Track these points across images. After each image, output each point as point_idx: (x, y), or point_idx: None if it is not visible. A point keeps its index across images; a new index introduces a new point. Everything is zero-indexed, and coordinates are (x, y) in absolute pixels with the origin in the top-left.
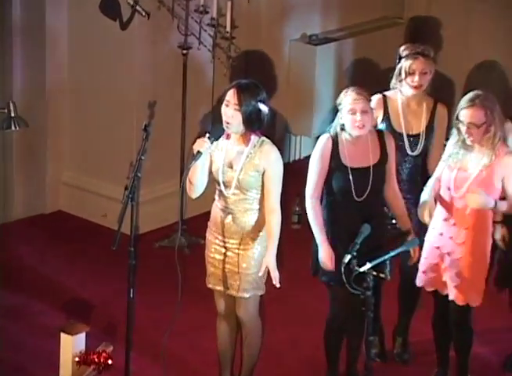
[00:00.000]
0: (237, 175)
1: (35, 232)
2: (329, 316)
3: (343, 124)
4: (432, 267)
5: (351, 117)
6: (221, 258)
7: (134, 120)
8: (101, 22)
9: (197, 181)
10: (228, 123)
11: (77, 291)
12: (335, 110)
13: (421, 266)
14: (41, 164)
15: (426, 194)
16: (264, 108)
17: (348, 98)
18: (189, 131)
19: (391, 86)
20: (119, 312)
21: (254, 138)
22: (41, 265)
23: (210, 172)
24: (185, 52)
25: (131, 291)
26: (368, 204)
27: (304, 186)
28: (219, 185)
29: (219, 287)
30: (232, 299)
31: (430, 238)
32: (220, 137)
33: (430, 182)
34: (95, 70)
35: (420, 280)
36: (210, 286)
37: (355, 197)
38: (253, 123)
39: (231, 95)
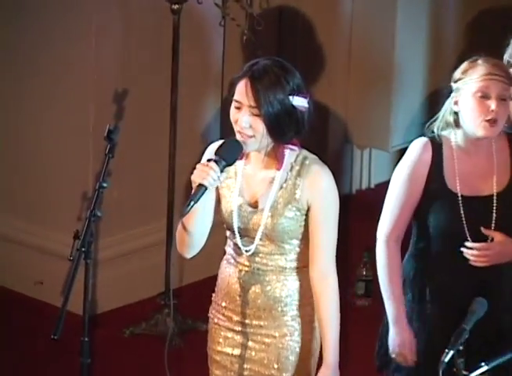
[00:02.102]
0: (265, 218)
1: None
2: None
3: (456, 116)
4: None
5: (478, 105)
6: (238, 352)
7: (90, 122)
8: None
9: (195, 231)
10: (244, 135)
11: None
12: (438, 101)
13: None
14: None
15: None
16: (300, 102)
17: (479, 70)
18: (182, 141)
19: None
20: None
21: (289, 154)
22: None
23: (214, 216)
24: (176, 7)
25: None
26: None
27: (376, 234)
28: (233, 234)
29: None
30: None
31: None
32: (235, 159)
33: None
34: (24, 41)
35: None
36: None
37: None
38: (284, 130)
39: (242, 92)
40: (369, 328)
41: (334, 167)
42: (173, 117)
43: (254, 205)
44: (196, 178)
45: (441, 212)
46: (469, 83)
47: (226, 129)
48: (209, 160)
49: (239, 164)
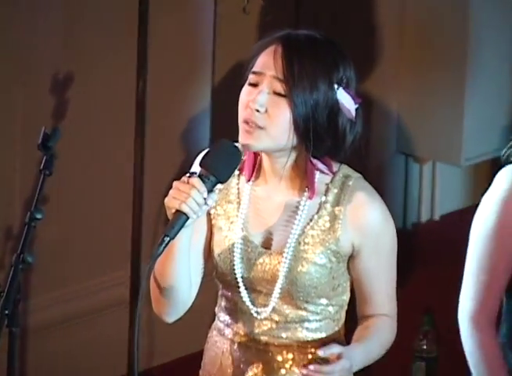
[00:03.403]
0: (286, 264)
1: None
2: None
3: None
4: None
5: None
6: None
7: (17, 123)
8: None
9: (176, 282)
10: (251, 127)
11: None
12: None
13: None
14: None
15: None
16: (347, 101)
17: None
18: (154, 149)
19: None
20: None
21: (320, 174)
22: None
23: (207, 258)
24: None
25: None
26: None
27: (442, 289)
28: (231, 288)
29: None
30: None
31: None
32: (231, 173)
33: None
34: None
35: None
36: None
37: None
38: (322, 135)
39: (268, 59)
40: None
41: (380, 189)
42: (140, 115)
43: (267, 244)
44: (172, 202)
45: None
46: None
47: (220, 131)
48: (190, 176)
49: (244, 182)
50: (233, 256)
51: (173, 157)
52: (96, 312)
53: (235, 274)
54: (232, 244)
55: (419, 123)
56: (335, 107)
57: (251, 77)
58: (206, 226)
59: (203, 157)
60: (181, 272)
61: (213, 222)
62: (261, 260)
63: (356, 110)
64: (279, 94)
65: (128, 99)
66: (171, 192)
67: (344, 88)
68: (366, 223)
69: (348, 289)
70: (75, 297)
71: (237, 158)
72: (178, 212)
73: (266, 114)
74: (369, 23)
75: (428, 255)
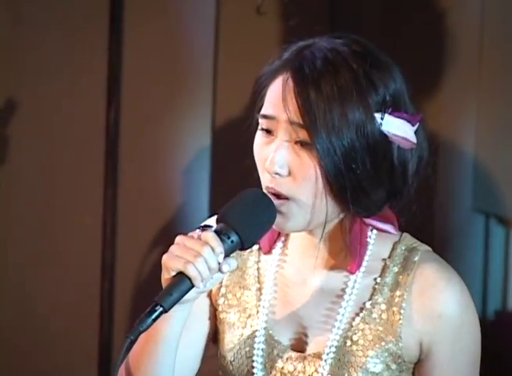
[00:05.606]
0: (326, 374)
1: None
2: None
3: None
4: None
5: None
6: None
7: None
8: None
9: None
10: (280, 201)
11: None
12: None
13: None
14: None
15: None
16: (400, 129)
17: None
18: (131, 206)
19: None
20: None
21: (375, 247)
22: None
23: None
24: None
25: None
26: None
27: None
28: None
29: None
30: None
31: None
32: (261, 235)
33: None
34: None
35: None
36: None
37: None
38: (366, 189)
39: (276, 98)
40: None
41: (449, 263)
42: (111, 152)
43: (299, 346)
44: (173, 261)
45: None
46: None
47: (222, 181)
48: (203, 229)
49: (266, 260)
50: (252, 363)
51: (155, 223)
52: None
53: None
54: (251, 347)
55: (505, 169)
56: (382, 145)
57: (262, 122)
58: (208, 322)
59: (223, 210)
60: (162, 371)
61: (221, 316)
62: (291, 367)
63: (417, 131)
64: (301, 143)
65: (95, 130)
66: (172, 248)
67: (391, 113)
68: (441, 312)
69: None
70: None
71: (271, 217)
72: (181, 276)
73: (291, 177)
74: (434, 37)
75: None
